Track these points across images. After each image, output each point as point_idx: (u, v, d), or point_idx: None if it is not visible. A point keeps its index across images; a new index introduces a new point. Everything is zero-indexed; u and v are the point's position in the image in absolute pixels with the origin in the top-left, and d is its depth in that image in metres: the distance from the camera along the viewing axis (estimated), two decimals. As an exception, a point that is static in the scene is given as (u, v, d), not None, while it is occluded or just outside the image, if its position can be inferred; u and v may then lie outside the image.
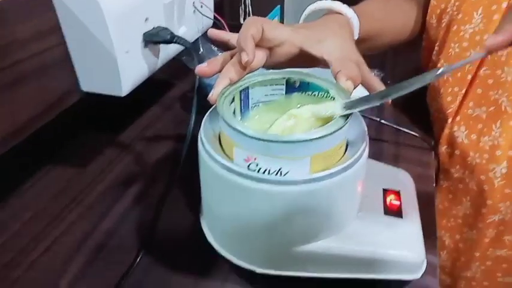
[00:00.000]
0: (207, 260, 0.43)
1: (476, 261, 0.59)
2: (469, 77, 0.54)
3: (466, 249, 0.60)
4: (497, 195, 0.54)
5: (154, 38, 0.49)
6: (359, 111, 0.38)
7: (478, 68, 0.54)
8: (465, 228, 0.59)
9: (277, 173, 0.34)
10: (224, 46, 0.46)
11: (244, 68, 0.39)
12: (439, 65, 0.59)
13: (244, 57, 0.37)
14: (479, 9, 0.53)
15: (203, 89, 0.51)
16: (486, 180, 0.54)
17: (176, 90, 0.76)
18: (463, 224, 0.60)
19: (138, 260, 0.43)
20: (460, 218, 0.60)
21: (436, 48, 0.60)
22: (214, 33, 0.46)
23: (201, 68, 0.41)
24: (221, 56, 0.42)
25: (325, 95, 0.41)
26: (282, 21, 0.95)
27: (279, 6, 0.96)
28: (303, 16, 0.54)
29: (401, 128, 0.60)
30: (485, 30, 0.52)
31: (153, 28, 0.50)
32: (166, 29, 0.51)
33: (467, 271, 0.61)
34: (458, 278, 0.63)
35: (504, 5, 0.50)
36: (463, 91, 0.55)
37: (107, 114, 0.68)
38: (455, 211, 0.60)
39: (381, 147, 0.60)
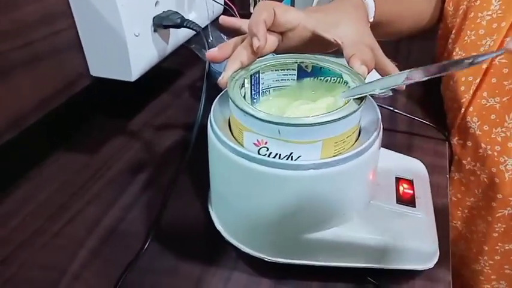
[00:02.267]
0: (215, 247, 0.43)
1: (484, 255, 0.58)
2: (484, 66, 0.53)
3: (477, 242, 0.59)
4: (507, 188, 0.52)
5: (164, 22, 0.49)
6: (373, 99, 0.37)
7: (494, 57, 0.52)
8: (479, 220, 0.58)
9: (288, 158, 0.33)
10: (235, 34, 0.45)
11: (255, 52, 0.38)
12: (454, 53, 0.58)
13: (256, 43, 0.37)
14: None
15: (212, 77, 0.50)
16: (497, 173, 0.53)
17: (186, 78, 0.76)
18: (477, 215, 0.58)
19: (146, 246, 0.43)
20: (474, 209, 0.59)
21: (452, 36, 0.58)
22: (225, 20, 0.45)
23: (212, 53, 0.40)
24: (232, 40, 0.41)
25: (338, 81, 0.40)
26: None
27: (290, -6, 0.94)
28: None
29: (415, 118, 0.59)
30: (504, 17, 0.50)
31: (163, 12, 0.49)
32: (176, 12, 0.50)
33: (476, 264, 0.60)
34: (467, 270, 0.62)
35: None
36: (477, 80, 0.54)
37: (117, 101, 0.68)
38: (469, 203, 0.59)
39: (395, 137, 0.59)
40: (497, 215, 0.55)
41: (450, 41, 0.59)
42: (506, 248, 0.56)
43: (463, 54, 0.56)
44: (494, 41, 0.51)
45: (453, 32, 0.58)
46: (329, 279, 0.40)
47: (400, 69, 0.72)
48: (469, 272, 0.62)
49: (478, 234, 0.59)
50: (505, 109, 0.52)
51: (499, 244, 0.57)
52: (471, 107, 0.55)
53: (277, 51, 0.41)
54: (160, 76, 0.75)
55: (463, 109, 0.56)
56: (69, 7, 0.44)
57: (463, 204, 0.60)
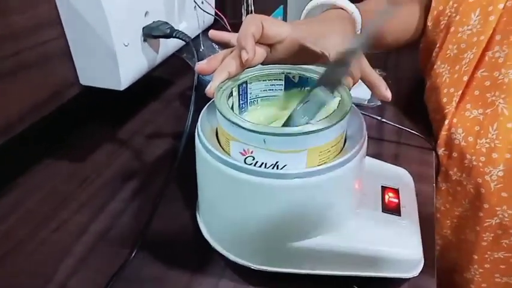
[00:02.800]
0: (203, 255, 0.43)
1: (474, 263, 0.59)
2: (465, 78, 0.54)
3: (467, 251, 0.60)
4: (494, 198, 0.53)
5: (154, 32, 0.49)
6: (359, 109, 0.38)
7: (475, 69, 0.53)
8: (466, 229, 0.59)
9: (273, 167, 0.34)
10: (225, 46, 0.46)
11: (243, 64, 0.39)
12: (435, 66, 0.59)
13: (244, 55, 0.37)
14: (476, 11, 0.53)
15: (202, 87, 0.51)
16: (483, 183, 0.53)
17: (176, 87, 0.76)
18: (465, 225, 0.59)
19: (133, 254, 0.42)
20: (462, 219, 0.59)
21: (436, 49, 0.60)
22: (215, 34, 0.45)
23: (201, 66, 0.40)
24: (221, 53, 0.41)
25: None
26: (285, 20, 0.95)
27: (281, 6, 0.95)
28: (305, 12, 0.54)
29: (402, 128, 0.59)
30: (483, 31, 0.52)
31: (153, 22, 0.50)
32: (166, 23, 0.50)
33: (467, 272, 0.61)
34: (458, 278, 0.62)
35: (501, 6, 0.50)
36: (459, 92, 0.55)
37: (107, 109, 0.68)
38: (457, 212, 0.60)
39: (382, 146, 0.60)
40: (484, 225, 0.55)
41: (434, 54, 0.60)
42: (495, 256, 0.57)
43: (447, 68, 0.57)
44: (474, 54, 0.53)
45: (436, 45, 0.59)
46: (316, 287, 0.40)
47: (389, 79, 0.73)
48: (460, 280, 0.62)
49: (467, 243, 0.59)
50: (489, 120, 0.52)
51: (488, 253, 0.57)
52: (455, 119, 0.56)
53: (265, 63, 0.42)
54: (151, 85, 0.75)
55: (447, 120, 0.57)
56: (59, 16, 0.44)
57: (452, 214, 0.60)
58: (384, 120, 0.59)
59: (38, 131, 0.50)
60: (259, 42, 0.40)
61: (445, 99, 0.57)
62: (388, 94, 0.44)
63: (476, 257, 0.58)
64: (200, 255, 0.43)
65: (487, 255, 0.57)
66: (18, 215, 0.49)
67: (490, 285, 0.59)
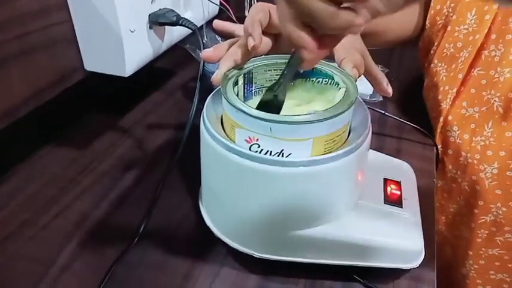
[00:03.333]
0: (205, 243, 0.43)
1: (469, 259, 0.59)
2: (460, 76, 0.54)
3: (462, 247, 0.60)
4: (488, 196, 0.54)
5: (160, 19, 0.49)
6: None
7: (471, 68, 0.54)
8: (462, 226, 0.59)
9: (279, 155, 0.34)
10: (229, 37, 0.46)
11: (250, 51, 0.39)
12: (432, 65, 0.59)
13: (251, 42, 0.37)
14: (472, 10, 0.54)
15: (206, 77, 0.51)
16: (478, 181, 0.54)
17: (179, 78, 0.76)
18: (459, 222, 0.60)
19: (135, 240, 0.43)
20: (457, 216, 0.60)
21: (434, 48, 0.60)
22: (219, 24, 0.46)
23: (207, 53, 0.41)
24: (227, 42, 0.42)
25: (329, 82, 0.41)
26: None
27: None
28: None
29: (405, 122, 0.60)
30: (478, 30, 0.52)
31: (159, 9, 0.50)
32: (172, 10, 0.50)
33: (462, 268, 0.61)
34: (455, 274, 0.63)
35: (496, 5, 0.51)
36: (454, 90, 0.55)
37: (110, 98, 0.68)
38: (452, 209, 0.60)
39: (384, 141, 0.60)
40: (479, 222, 0.56)
41: (432, 52, 0.61)
42: (490, 253, 0.57)
43: (444, 66, 0.58)
44: (469, 53, 0.53)
45: (435, 44, 0.60)
46: (316, 276, 0.40)
47: (392, 76, 0.73)
48: (457, 276, 0.63)
49: (462, 239, 0.60)
50: (484, 118, 0.53)
51: (483, 249, 0.58)
52: (451, 116, 0.57)
53: (270, 53, 0.42)
54: (153, 75, 0.75)
55: (442, 118, 0.57)
56: (66, 0, 0.44)
57: (447, 210, 0.61)
58: (387, 114, 0.59)
59: (39, 117, 0.50)
60: (265, 31, 0.40)
61: (440, 97, 0.57)
62: (389, 89, 0.45)
63: (471, 253, 0.59)
64: (202, 243, 0.43)
65: (481, 252, 0.58)
66: (19, 201, 0.49)
67: (485, 281, 0.60)
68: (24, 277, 0.40)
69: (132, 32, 0.46)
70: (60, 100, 0.48)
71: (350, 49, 0.41)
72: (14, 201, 0.48)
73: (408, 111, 0.66)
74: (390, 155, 0.49)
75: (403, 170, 0.47)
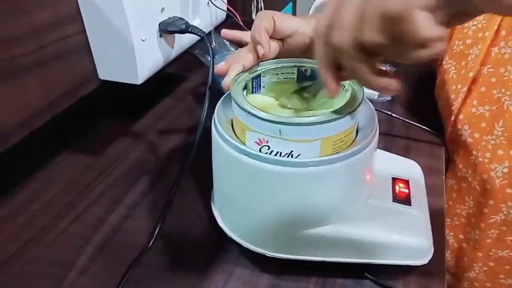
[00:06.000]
0: (218, 243, 0.44)
1: (479, 261, 0.59)
2: (471, 74, 0.54)
3: (470, 250, 0.60)
4: (498, 195, 0.53)
5: (169, 28, 0.51)
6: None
7: (482, 66, 0.54)
8: (468, 227, 0.59)
9: (288, 156, 0.35)
10: (238, 44, 0.48)
11: (258, 56, 0.40)
12: (444, 62, 0.60)
13: (261, 50, 0.39)
14: None
15: (216, 82, 0.52)
16: (488, 180, 0.54)
17: (189, 83, 0.77)
18: (467, 224, 0.59)
19: (151, 242, 0.44)
20: (464, 218, 0.60)
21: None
22: (227, 32, 0.47)
23: (219, 67, 0.42)
24: (237, 52, 0.43)
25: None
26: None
27: (291, 3, 0.96)
28: (313, 7, 0.55)
29: (412, 123, 0.60)
30: (488, 27, 0.52)
31: (169, 18, 0.51)
32: (181, 19, 0.52)
33: (471, 272, 0.61)
34: (461, 278, 0.62)
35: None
36: (465, 89, 0.55)
37: (122, 105, 0.69)
38: (459, 210, 0.60)
39: (392, 140, 0.61)
40: (489, 221, 0.56)
41: None
42: (500, 254, 0.57)
43: (454, 63, 0.58)
44: (479, 50, 0.53)
45: None
46: (328, 274, 0.41)
47: (399, 74, 0.73)
48: (464, 280, 0.62)
49: (469, 241, 0.60)
50: (495, 117, 0.53)
51: (493, 250, 0.57)
52: (462, 115, 0.57)
53: (277, 57, 0.43)
54: (164, 81, 0.77)
55: (453, 117, 0.57)
56: (80, 12, 0.46)
57: (453, 212, 0.61)
58: (393, 115, 0.60)
59: (56, 125, 0.51)
60: (271, 36, 0.41)
61: (452, 96, 0.57)
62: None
63: (480, 255, 0.58)
64: (215, 243, 0.45)
65: (491, 253, 0.57)
66: (38, 207, 0.50)
67: (495, 285, 0.59)
68: (45, 280, 0.42)
69: (143, 40, 0.48)
70: (75, 108, 0.50)
71: None
72: (33, 207, 0.50)
73: (417, 109, 0.67)
74: (399, 154, 0.50)
75: (411, 169, 0.47)
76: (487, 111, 0.54)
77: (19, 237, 0.46)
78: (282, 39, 0.43)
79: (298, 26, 0.43)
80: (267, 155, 0.35)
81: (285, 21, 0.42)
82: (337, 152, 0.35)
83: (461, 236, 0.60)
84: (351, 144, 0.37)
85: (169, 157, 0.59)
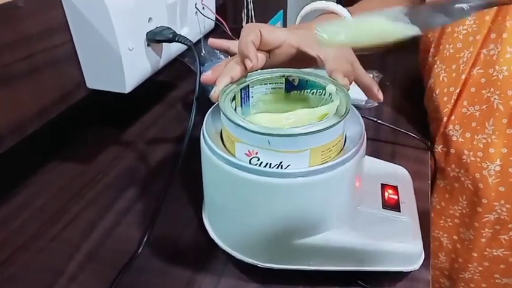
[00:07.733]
0: (208, 253, 0.44)
1: (474, 261, 0.60)
2: (463, 76, 0.55)
3: (464, 250, 0.60)
4: (491, 193, 0.54)
5: (157, 37, 0.51)
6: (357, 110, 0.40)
7: (472, 67, 0.55)
8: (462, 228, 0.60)
9: (278, 167, 0.35)
10: (226, 52, 0.48)
11: (246, 68, 0.40)
12: (435, 66, 0.60)
13: (249, 63, 0.39)
14: None
15: (204, 90, 0.52)
16: (481, 179, 0.55)
17: (179, 90, 0.77)
18: (460, 224, 0.60)
19: (140, 249, 0.44)
20: (457, 218, 0.60)
21: (432, 50, 0.61)
22: (214, 42, 0.48)
23: (206, 76, 0.42)
24: (223, 63, 0.43)
25: (323, 93, 0.42)
26: (284, 25, 0.97)
27: (281, 10, 0.97)
28: (299, 17, 0.55)
29: (397, 128, 0.61)
30: (478, 31, 0.53)
31: (156, 27, 0.51)
32: (169, 28, 0.52)
33: (466, 272, 0.61)
34: (456, 279, 0.63)
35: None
36: (457, 90, 0.56)
37: (112, 112, 0.69)
38: (452, 211, 0.61)
39: (379, 146, 0.61)
40: (483, 220, 0.56)
41: (430, 54, 0.61)
42: (495, 253, 0.58)
43: (443, 67, 0.59)
44: (471, 53, 0.54)
45: (432, 46, 0.61)
46: (319, 282, 0.41)
47: (386, 81, 0.74)
48: (459, 281, 0.63)
49: (463, 242, 0.60)
50: (485, 116, 0.54)
51: (487, 250, 0.58)
52: (453, 116, 0.58)
53: (264, 68, 0.43)
54: (153, 88, 0.77)
55: (445, 118, 0.58)
56: (67, 22, 0.46)
57: (446, 213, 0.61)
58: (379, 121, 0.61)
59: (46, 132, 0.51)
60: (258, 49, 0.41)
61: (445, 98, 0.58)
62: (379, 95, 0.46)
63: (475, 255, 0.59)
64: (204, 250, 0.45)
65: (486, 253, 0.58)
66: (28, 213, 0.50)
67: (490, 285, 0.60)
68: (35, 286, 0.42)
69: (131, 50, 0.48)
70: (65, 116, 0.50)
71: (339, 58, 0.43)
72: (24, 213, 0.50)
73: (403, 114, 0.67)
74: (386, 160, 0.50)
75: (399, 175, 0.48)
76: (477, 111, 0.55)
77: (9, 244, 0.46)
78: (268, 51, 0.43)
79: (284, 37, 0.43)
80: (256, 167, 0.35)
81: (271, 33, 0.42)
82: (326, 162, 0.36)
83: (455, 237, 0.61)
84: (339, 153, 0.37)
85: (159, 164, 0.59)
